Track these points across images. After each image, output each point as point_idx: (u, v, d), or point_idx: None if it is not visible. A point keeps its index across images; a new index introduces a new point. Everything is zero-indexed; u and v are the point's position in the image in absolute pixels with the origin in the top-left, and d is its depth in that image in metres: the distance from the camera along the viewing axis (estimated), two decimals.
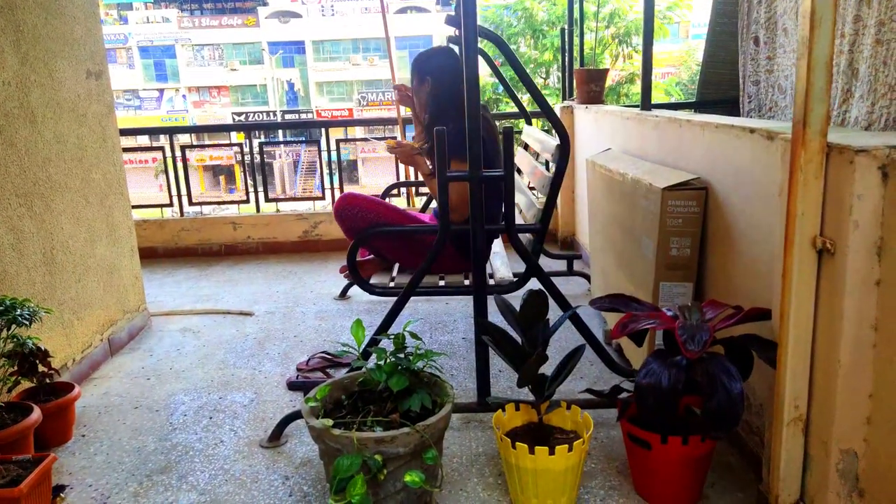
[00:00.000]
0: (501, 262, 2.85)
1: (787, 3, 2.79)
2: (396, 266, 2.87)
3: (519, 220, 2.95)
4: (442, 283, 2.66)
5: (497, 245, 3.03)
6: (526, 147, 3.60)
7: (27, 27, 2.52)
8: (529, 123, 3.85)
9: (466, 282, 2.66)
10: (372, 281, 2.65)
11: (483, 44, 2.89)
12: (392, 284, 2.64)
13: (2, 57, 2.37)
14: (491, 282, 2.62)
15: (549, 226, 2.45)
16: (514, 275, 2.60)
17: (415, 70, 2.77)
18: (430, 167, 2.73)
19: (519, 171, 3.47)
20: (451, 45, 2.90)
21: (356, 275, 2.57)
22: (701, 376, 1.62)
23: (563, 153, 2.30)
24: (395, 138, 3.06)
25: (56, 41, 2.71)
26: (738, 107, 3.77)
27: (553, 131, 2.42)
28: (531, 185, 3.63)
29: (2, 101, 2.36)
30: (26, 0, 2.52)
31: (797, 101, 1.39)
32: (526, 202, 2.87)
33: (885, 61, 2.00)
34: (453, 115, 2.52)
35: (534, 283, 2.26)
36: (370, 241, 2.72)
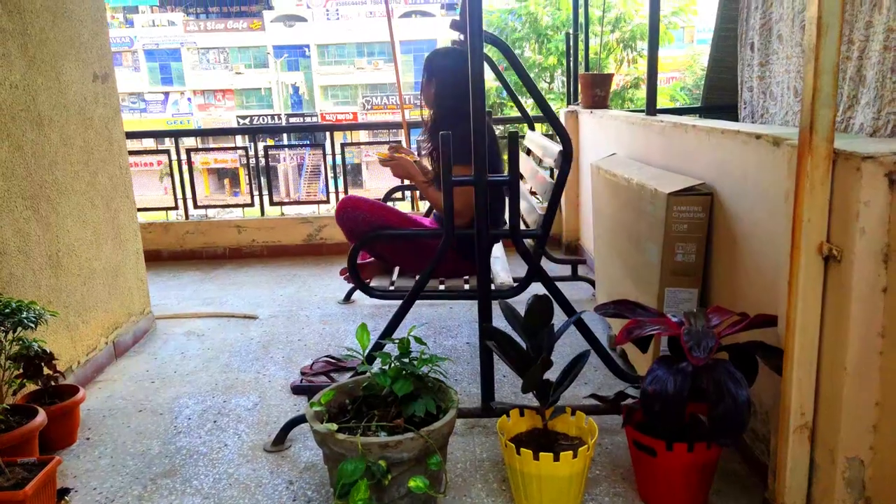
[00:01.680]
0: (501, 266, 2.85)
1: (783, 9, 2.79)
2: (396, 269, 2.87)
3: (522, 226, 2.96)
4: (442, 287, 2.66)
5: (497, 250, 3.03)
6: (528, 152, 3.60)
7: (34, 30, 2.53)
8: (532, 129, 3.84)
9: (466, 286, 2.65)
10: (372, 284, 2.65)
11: (487, 49, 2.88)
12: (392, 288, 2.64)
13: (9, 60, 2.38)
14: (491, 287, 2.61)
15: (554, 230, 2.45)
16: (516, 279, 2.59)
17: (425, 67, 2.77)
18: (428, 176, 2.73)
19: (521, 177, 3.47)
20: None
21: (356, 277, 2.57)
22: (707, 383, 1.62)
23: (566, 159, 2.29)
24: (392, 146, 3.03)
25: (63, 44, 2.73)
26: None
27: (556, 137, 2.42)
28: (533, 190, 3.62)
29: (9, 104, 2.37)
30: (34, 3, 2.53)
31: (804, 107, 1.39)
32: (527, 207, 2.87)
33: (894, 68, 1.99)
34: (456, 120, 2.51)
35: (534, 289, 2.25)
36: (371, 245, 2.72)
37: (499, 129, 3.50)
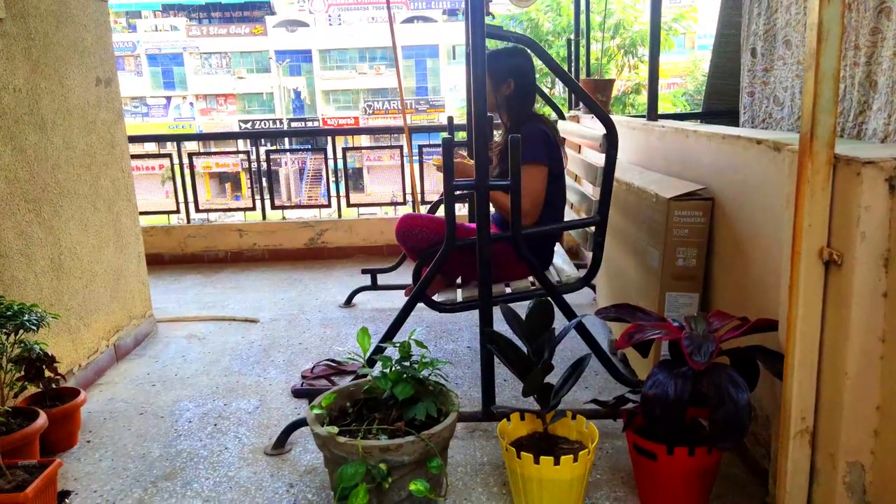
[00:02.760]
0: (563, 260, 2.85)
1: (790, 15, 2.80)
2: (459, 279, 2.83)
3: (572, 216, 2.98)
4: (508, 289, 2.61)
5: (557, 246, 3.00)
6: (563, 142, 3.60)
7: (38, 34, 2.55)
8: (563, 118, 3.85)
9: (532, 286, 2.62)
10: (438, 298, 2.61)
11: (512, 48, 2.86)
12: (461, 300, 2.59)
13: (13, 64, 2.39)
14: (557, 280, 2.59)
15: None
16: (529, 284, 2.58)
17: (491, 71, 2.62)
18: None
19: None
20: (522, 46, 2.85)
21: (425, 295, 2.53)
22: (707, 387, 1.62)
23: (612, 142, 2.30)
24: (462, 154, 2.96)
25: (67, 49, 2.74)
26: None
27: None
28: (576, 178, 3.61)
29: (12, 108, 2.38)
30: (38, 8, 2.54)
31: (804, 112, 1.39)
32: (578, 198, 2.86)
33: None
34: (533, 117, 2.56)
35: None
36: (431, 259, 2.68)
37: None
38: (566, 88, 4.92)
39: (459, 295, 2.64)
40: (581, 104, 4.39)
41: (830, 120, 1.36)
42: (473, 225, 3.01)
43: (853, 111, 2.26)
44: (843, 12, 1.34)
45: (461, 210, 4.27)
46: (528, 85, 2.65)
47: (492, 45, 2.72)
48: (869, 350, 1.36)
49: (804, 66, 1.39)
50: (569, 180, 3.13)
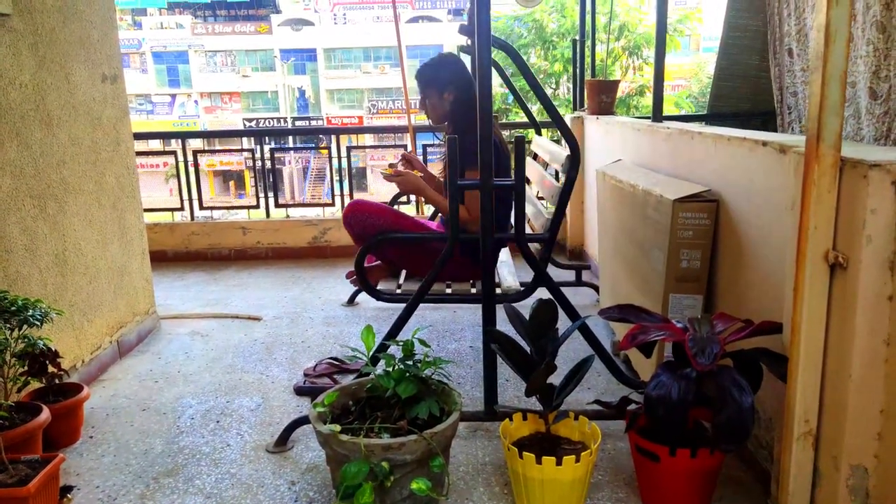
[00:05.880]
0: (508, 270, 2.85)
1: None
2: (403, 272, 2.88)
3: (527, 230, 2.96)
4: (448, 290, 2.66)
5: (504, 254, 3.03)
6: (535, 157, 3.61)
7: (45, 30, 2.55)
8: (539, 133, 3.85)
9: (473, 290, 2.66)
10: (379, 287, 2.66)
11: (494, 54, 2.89)
12: (399, 291, 2.65)
13: (19, 59, 2.40)
14: (497, 290, 2.61)
15: (559, 236, 2.45)
16: (522, 284, 2.60)
17: (431, 82, 2.73)
18: (436, 184, 2.72)
19: (527, 181, 3.47)
20: (464, 54, 2.91)
21: (363, 280, 2.57)
22: (711, 389, 1.62)
23: (574, 163, 2.30)
24: (399, 158, 3.00)
25: (73, 45, 2.74)
26: (748, 120, 3.76)
27: (563, 141, 2.43)
28: (539, 195, 3.64)
29: (18, 104, 2.39)
30: (45, 3, 2.55)
31: (811, 114, 1.39)
32: (534, 212, 2.87)
33: None
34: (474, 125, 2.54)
35: (540, 293, 2.26)
36: (378, 248, 2.72)
37: (505, 133, 3.53)
38: (572, 87, 4.91)
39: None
40: (585, 105, 4.39)
41: (837, 122, 1.36)
42: (431, 223, 3.02)
43: None
44: (851, 14, 1.33)
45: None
46: (469, 90, 2.65)
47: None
48: (873, 353, 1.36)
49: (811, 67, 1.38)
50: (531, 194, 3.13)
